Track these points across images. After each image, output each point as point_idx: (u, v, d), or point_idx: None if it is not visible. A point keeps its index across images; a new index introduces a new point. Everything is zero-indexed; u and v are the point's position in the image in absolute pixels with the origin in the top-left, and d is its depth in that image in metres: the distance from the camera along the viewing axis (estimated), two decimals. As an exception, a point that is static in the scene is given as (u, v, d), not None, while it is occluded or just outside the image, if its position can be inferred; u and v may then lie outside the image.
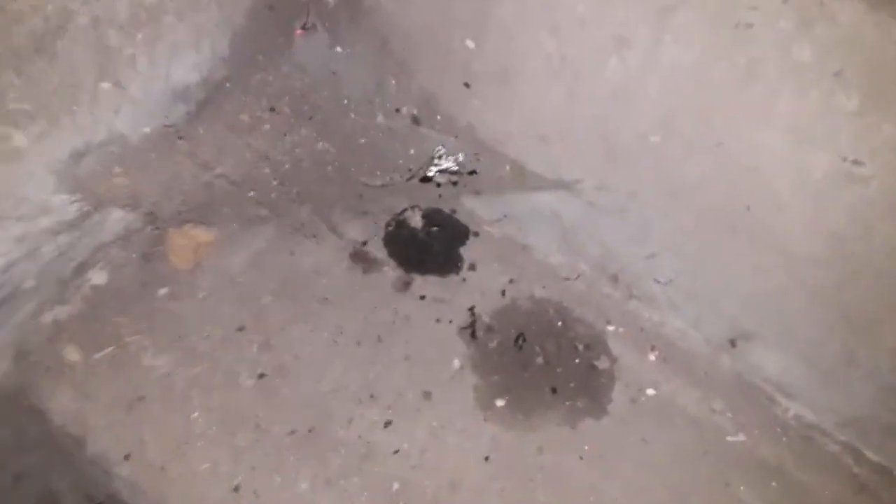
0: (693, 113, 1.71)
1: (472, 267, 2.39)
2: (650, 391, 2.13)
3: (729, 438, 2.06)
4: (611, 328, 2.31)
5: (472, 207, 2.46)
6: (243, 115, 2.23)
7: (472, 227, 2.45)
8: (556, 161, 2.12)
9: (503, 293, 2.34)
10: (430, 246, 2.38)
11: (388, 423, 1.96)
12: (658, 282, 2.18)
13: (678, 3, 1.55)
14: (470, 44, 1.98)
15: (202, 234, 2.19)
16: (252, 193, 2.24)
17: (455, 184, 2.39)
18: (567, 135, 2.02)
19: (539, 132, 2.08)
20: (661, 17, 1.59)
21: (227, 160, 2.17)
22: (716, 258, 1.94)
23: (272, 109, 2.30)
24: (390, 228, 2.39)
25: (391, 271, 2.32)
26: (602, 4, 1.68)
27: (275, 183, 2.27)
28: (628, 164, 1.94)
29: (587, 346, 2.22)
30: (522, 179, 2.23)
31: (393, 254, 2.35)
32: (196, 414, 1.88)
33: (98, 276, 2.08)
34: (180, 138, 2.04)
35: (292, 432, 1.90)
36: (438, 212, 2.45)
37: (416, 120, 2.36)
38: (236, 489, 1.78)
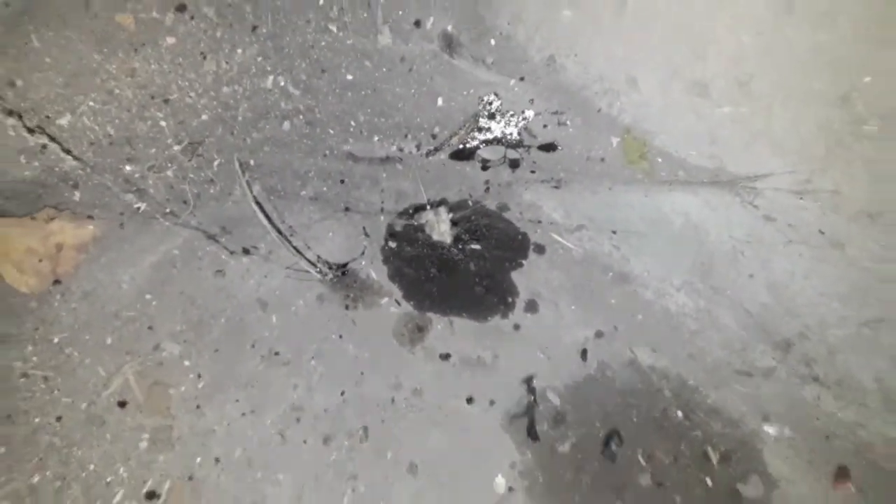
0: None
1: (532, 306, 1.82)
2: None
3: None
4: (770, 429, 1.77)
5: (537, 205, 1.90)
6: (123, 17, 1.66)
7: (535, 238, 1.86)
8: (733, 136, 1.75)
9: (583, 355, 1.79)
10: (463, 269, 1.84)
11: None
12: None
13: None
14: None
15: (69, 230, 1.76)
16: (131, 168, 1.71)
17: (515, 164, 1.85)
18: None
19: (700, 74, 1.71)
20: None
21: (79, 102, 1.65)
22: None
23: (181, 9, 1.69)
24: (393, 239, 1.84)
25: (394, 308, 1.79)
26: None
27: (177, 147, 1.74)
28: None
29: (726, 458, 1.77)
30: (645, 164, 1.81)
31: (397, 278, 1.81)
32: None
33: None
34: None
35: None
36: (482, 212, 1.87)
37: (449, 43, 1.84)
38: None
